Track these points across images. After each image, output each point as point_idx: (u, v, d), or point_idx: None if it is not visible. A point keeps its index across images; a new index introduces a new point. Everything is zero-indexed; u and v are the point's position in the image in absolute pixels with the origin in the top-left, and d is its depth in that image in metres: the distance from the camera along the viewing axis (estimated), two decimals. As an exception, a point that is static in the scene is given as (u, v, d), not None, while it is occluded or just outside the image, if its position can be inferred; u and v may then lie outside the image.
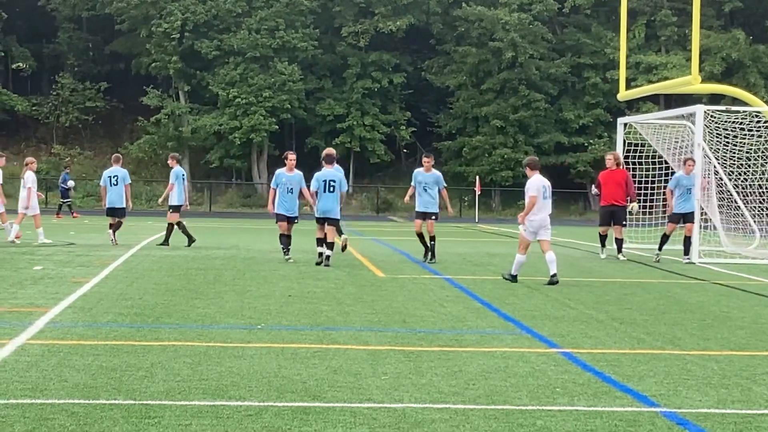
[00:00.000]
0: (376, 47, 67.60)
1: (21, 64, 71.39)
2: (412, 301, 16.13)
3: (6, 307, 14.36)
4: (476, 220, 57.21)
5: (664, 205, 26.27)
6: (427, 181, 23.71)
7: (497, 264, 23.91)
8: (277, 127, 65.90)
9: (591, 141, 66.54)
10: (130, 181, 28.61)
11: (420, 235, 23.99)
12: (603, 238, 26.60)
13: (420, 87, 69.94)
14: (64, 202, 47.62)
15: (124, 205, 27.95)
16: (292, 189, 22.86)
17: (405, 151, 71.97)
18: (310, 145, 67.56)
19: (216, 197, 66.50)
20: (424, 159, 24.18)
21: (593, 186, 26.56)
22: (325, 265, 21.76)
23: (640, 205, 29.70)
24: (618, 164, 26.61)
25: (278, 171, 23.20)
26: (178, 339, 11.89)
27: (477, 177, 61.56)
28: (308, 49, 66.48)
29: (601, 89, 66.54)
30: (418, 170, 24.09)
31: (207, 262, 22.64)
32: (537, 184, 19.30)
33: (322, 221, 22.43)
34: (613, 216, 26.08)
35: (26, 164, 28.61)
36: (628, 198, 26.25)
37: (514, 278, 19.45)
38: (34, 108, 70.05)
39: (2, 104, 68.18)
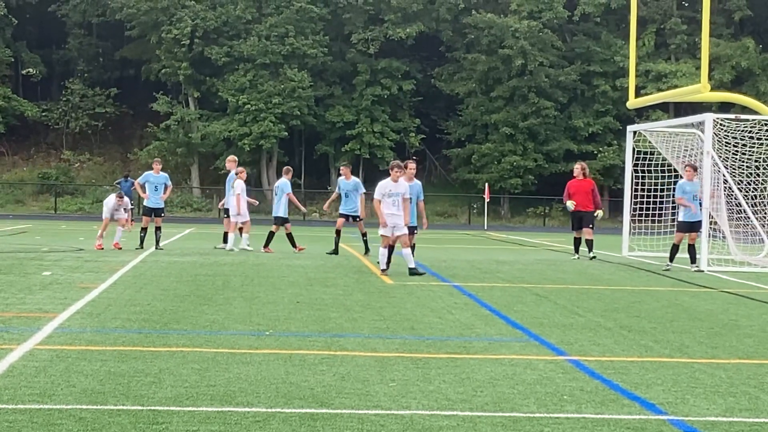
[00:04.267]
0: (385, 54, 67.67)
1: (31, 70, 71.51)
2: (420, 308, 16.12)
3: (14, 312, 14.38)
4: (485, 228, 57.20)
5: (674, 214, 26.53)
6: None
7: (506, 271, 23.92)
8: (286, 133, 65.98)
9: (600, 149, 66.52)
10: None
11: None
12: (577, 241, 28.75)
13: (429, 94, 69.97)
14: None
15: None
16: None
17: (414, 158, 71.91)
18: (319, 151, 67.65)
19: (225, 203, 66.49)
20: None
21: (567, 198, 28.26)
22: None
23: (648, 215, 30.25)
24: (584, 175, 28.92)
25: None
26: (186, 345, 11.90)
27: (486, 184, 61.61)
28: (318, 56, 66.57)
29: (610, 97, 66.53)
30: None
31: (215, 268, 22.66)
32: (380, 187, 21.92)
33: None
34: (582, 221, 28.47)
35: (236, 174, 29.48)
36: (595, 206, 28.45)
37: (384, 269, 21.71)
38: (43, 113, 70.25)
39: (12, 110, 68.31)
